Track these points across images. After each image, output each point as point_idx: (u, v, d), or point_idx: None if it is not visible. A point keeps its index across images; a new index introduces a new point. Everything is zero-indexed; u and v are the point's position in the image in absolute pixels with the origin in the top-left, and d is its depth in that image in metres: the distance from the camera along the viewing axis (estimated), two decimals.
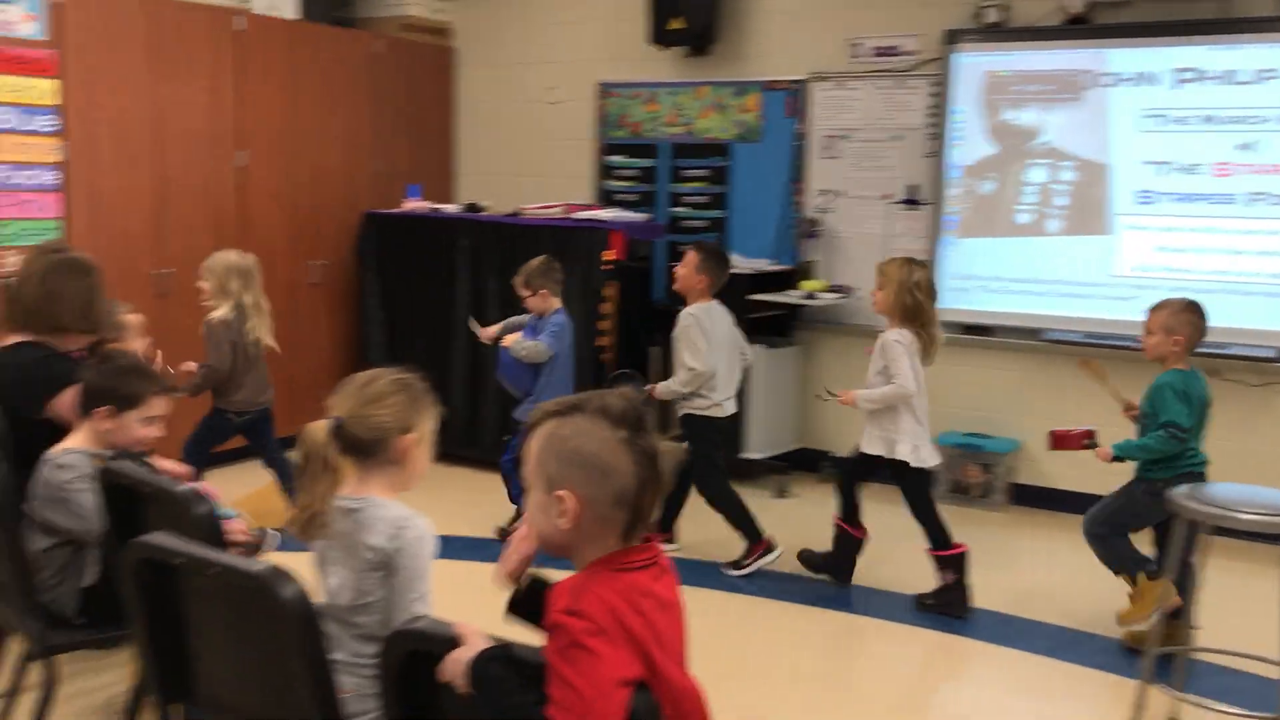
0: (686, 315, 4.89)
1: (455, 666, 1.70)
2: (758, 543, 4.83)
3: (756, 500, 5.72)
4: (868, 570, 4.73)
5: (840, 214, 6.37)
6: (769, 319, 6.19)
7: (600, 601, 1.67)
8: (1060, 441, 4.25)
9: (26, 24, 5.15)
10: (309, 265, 6.63)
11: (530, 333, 5.08)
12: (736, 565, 4.84)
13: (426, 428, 2.34)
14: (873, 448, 4.50)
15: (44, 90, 5.25)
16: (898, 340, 4.43)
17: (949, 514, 5.90)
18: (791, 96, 6.44)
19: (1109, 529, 4.12)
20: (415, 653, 1.78)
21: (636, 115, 6.96)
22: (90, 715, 3.38)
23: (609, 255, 6.02)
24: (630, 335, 6.20)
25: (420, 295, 6.60)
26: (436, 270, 6.53)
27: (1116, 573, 4.13)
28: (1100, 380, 4.33)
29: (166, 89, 5.80)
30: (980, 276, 5.99)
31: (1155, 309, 4.09)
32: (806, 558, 4.77)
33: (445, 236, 6.51)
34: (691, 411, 4.88)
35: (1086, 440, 4.17)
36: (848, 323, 6.27)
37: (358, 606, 2.23)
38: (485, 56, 7.44)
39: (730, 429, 5.18)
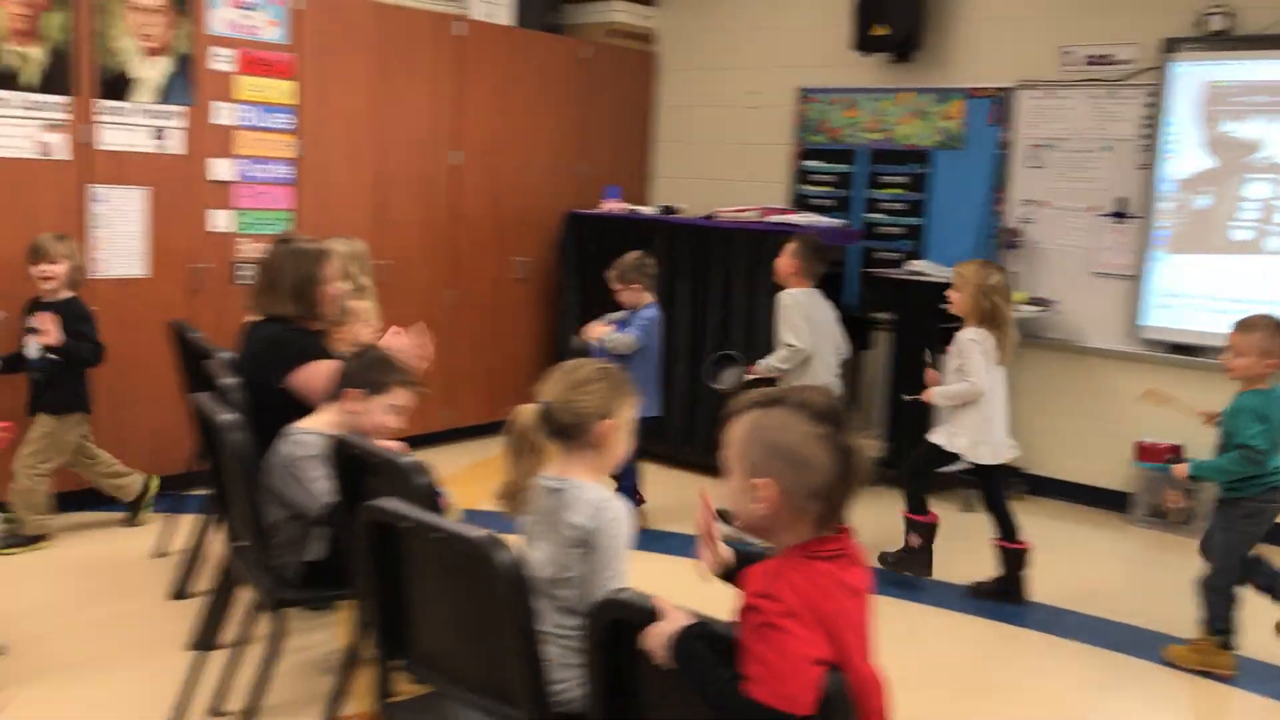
0: (787, 295, 5.16)
1: (657, 640, 1.78)
2: None
3: (942, 514, 5.64)
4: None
5: (1043, 225, 6.23)
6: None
7: (792, 586, 1.73)
8: (1145, 455, 4.34)
9: (271, 29, 5.56)
10: (513, 261, 6.90)
11: (622, 326, 5.25)
12: None
13: (625, 415, 2.46)
14: (936, 436, 4.64)
15: (283, 90, 5.65)
16: (973, 339, 4.55)
17: (1146, 539, 5.69)
18: (996, 104, 6.34)
19: (1225, 580, 4.01)
20: (616, 622, 1.88)
21: (836, 121, 6.96)
22: (304, 670, 3.63)
23: None
24: None
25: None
26: None
27: (1200, 621, 4.06)
28: (1167, 404, 4.30)
29: (390, 90, 6.12)
30: (1190, 294, 5.76)
31: (1246, 330, 3.91)
32: (981, 589, 4.68)
33: (641, 237, 6.63)
34: None
35: (1169, 455, 4.30)
36: (1047, 336, 6.11)
37: (559, 580, 2.36)
38: (686, 61, 7.58)
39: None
